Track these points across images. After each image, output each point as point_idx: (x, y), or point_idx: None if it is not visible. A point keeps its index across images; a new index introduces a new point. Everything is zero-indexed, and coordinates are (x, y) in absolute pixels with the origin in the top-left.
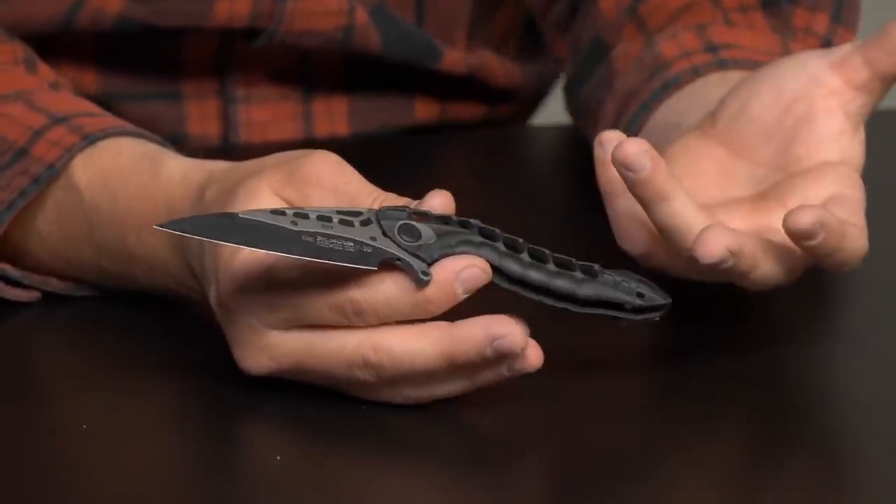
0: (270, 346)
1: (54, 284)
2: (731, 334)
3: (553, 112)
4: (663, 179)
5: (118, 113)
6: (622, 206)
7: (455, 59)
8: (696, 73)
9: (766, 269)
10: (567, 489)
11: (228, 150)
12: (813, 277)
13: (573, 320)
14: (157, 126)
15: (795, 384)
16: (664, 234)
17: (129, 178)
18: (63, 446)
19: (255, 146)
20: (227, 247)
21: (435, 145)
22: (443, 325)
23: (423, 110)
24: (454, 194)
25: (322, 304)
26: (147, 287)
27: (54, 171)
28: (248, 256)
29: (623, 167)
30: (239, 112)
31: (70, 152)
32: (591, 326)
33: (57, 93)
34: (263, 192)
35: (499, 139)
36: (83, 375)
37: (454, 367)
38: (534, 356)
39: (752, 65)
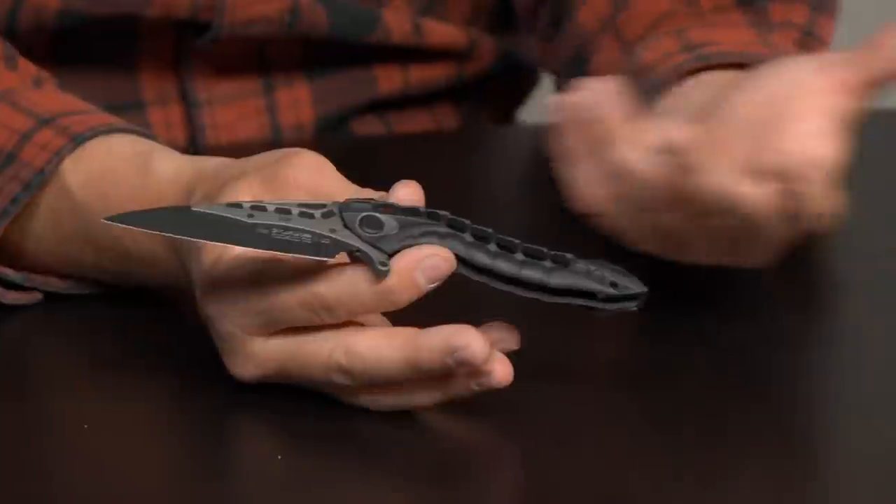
0: (254, 353)
1: (55, 284)
2: (724, 338)
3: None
4: (623, 124)
5: None
6: (584, 167)
7: (395, 18)
8: (677, 71)
9: (718, 168)
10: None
11: (198, 152)
12: (810, 277)
13: (561, 327)
14: None
15: (790, 387)
16: (623, 177)
17: (120, 179)
18: (63, 446)
19: (225, 147)
20: (208, 256)
21: (423, 148)
22: (409, 332)
23: (386, 80)
24: (443, 197)
25: (292, 302)
26: (147, 283)
27: (44, 176)
28: (226, 265)
29: (591, 108)
30: (203, 116)
31: (58, 156)
32: (578, 334)
33: (41, 90)
34: (245, 196)
35: (487, 139)
36: (84, 375)
37: (420, 374)
38: (502, 372)
39: (734, 55)
